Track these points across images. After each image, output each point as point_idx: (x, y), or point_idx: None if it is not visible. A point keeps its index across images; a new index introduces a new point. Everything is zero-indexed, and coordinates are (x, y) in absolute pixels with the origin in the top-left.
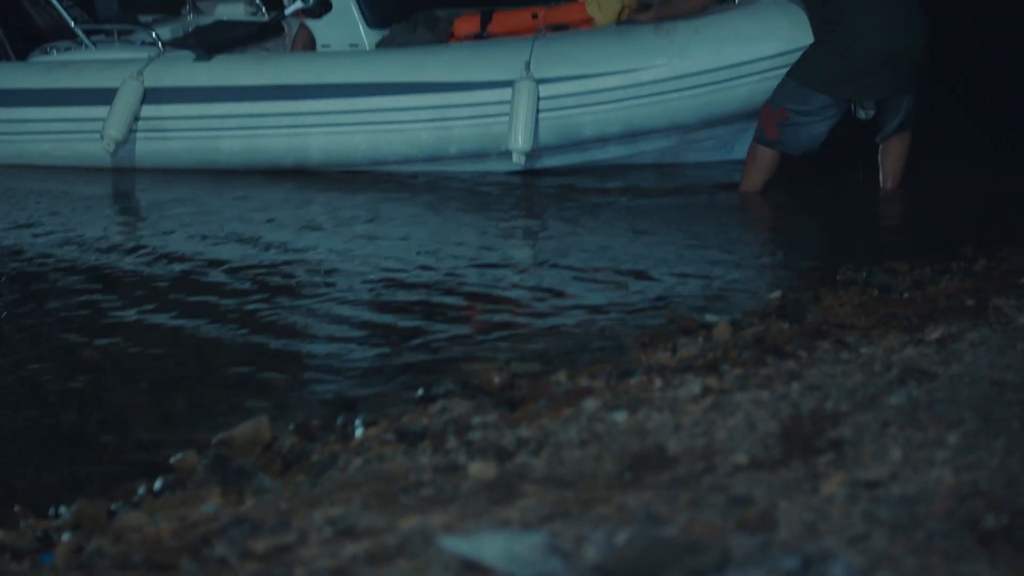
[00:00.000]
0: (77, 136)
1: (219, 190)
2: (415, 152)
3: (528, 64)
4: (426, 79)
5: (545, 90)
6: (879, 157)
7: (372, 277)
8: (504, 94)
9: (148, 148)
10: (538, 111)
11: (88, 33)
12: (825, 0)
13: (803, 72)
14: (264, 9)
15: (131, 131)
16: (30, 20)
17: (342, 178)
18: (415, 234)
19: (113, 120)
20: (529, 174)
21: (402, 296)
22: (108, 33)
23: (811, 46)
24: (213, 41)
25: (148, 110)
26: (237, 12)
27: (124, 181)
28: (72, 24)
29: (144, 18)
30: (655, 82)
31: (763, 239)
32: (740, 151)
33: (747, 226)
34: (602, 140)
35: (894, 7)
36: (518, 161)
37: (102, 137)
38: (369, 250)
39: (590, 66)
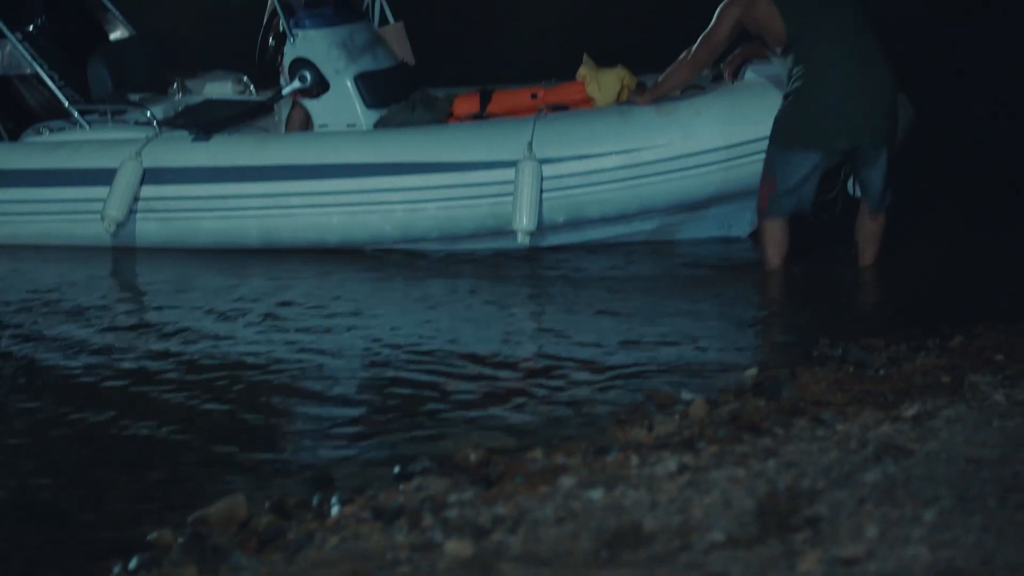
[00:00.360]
0: (76, 217)
1: (213, 269)
2: (418, 232)
3: (531, 144)
4: (429, 159)
5: (548, 170)
6: (857, 234)
7: (353, 355)
8: (507, 174)
9: (148, 228)
10: (542, 191)
11: (82, 112)
12: (789, 53)
13: (776, 133)
14: (252, 88)
15: (131, 211)
16: (21, 99)
17: (336, 255)
18: (398, 312)
19: (113, 201)
20: (525, 252)
21: (381, 373)
22: (101, 113)
23: (782, 103)
24: (207, 120)
25: (148, 190)
26: (225, 91)
27: (121, 260)
28: (67, 104)
29: (132, 97)
30: (658, 161)
31: (741, 315)
32: (738, 228)
33: (726, 302)
34: (605, 219)
35: (856, 56)
36: (523, 241)
37: (102, 218)
38: (351, 328)
39: (593, 146)
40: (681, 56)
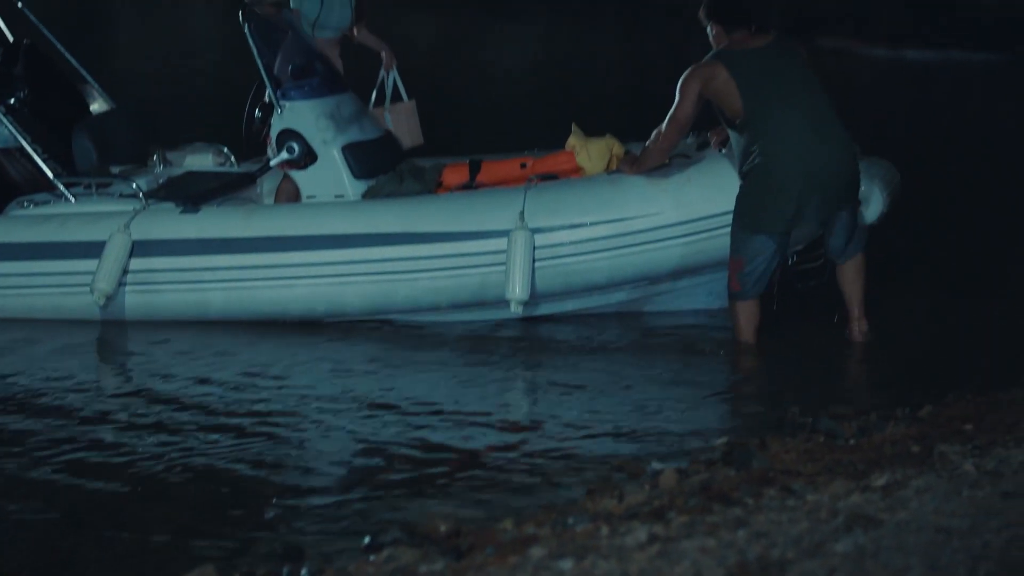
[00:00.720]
0: (65, 290)
1: (195, 339)
2: (409, 303)
3: (523, 213)
4: (420, 229)
5: (541, 239)
6: (839, 283)
7: (325, 424)
8: (499, 243)
9: (138, 301)
10: (534, 260)
11: (67, 185)
12: (746, 129)
13: (739, 216)
14: (233, 159)
15: (120, 284)
16: (4, 172)
17: (322, 325)
18: (371, 381)
19: (103, 274)
20: (499, 322)
21: (352, 442)
22: (86, 185)
23: (741, 184)
24: (193, 192)
25: (137, 263)
26: (206, 163)
27: (107, 332)
28: (52, 177)
29: (113, 169)
30: (650, 230)
31: (712, 384)
32: (722, 300)
33: (697, 371)
34: (598, 287)
35: (809, 127)
36: (516, 310)
37: (92, 291)
38: (323, 397)
39: (585, 215)
40: (653, 136)
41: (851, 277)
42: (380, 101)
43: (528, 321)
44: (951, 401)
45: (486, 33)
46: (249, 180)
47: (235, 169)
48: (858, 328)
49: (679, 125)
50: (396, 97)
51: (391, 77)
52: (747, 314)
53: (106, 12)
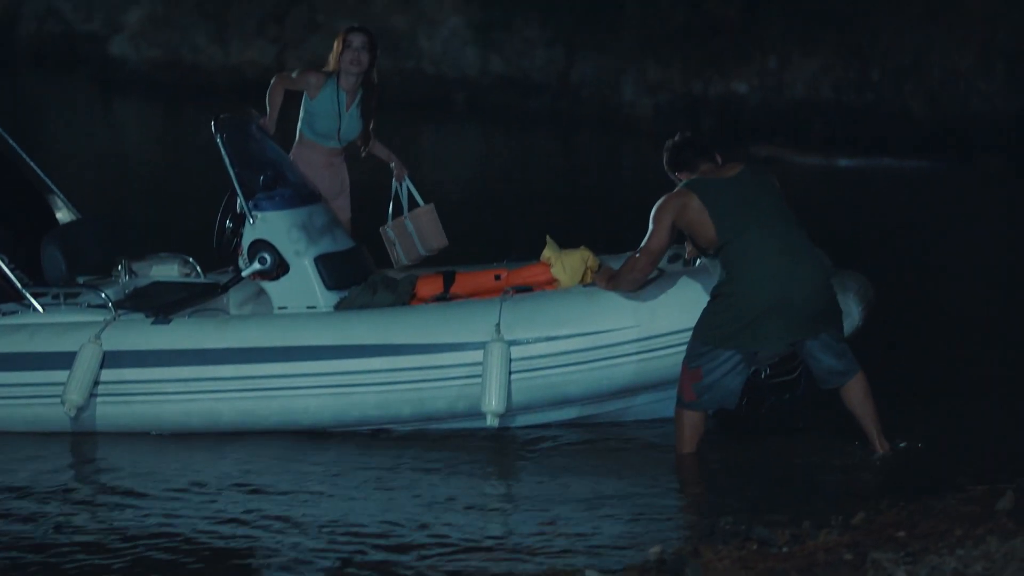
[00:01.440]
0: (34, 401)
1: (171, 451)
2: (384, 415)
3: (498, 326)
4: (395, 341)
5: (517, 351)
6: (849, 407)
7: (295, 536)
8: (475, 356)
9: (109, 412)
10: (511, 372)
11: (35, 296)
12: (717, 253)
13: (703, 329)
14: (199, 269)
15: (91, 395)
16: None
17: (297, 437)
18: (332, 497)
19: (73, 384)
20: (446, 432)
21: (323, 561)
22: (54, 296)
23: (709, 300)
24: (162, 303)
25: (108, 374)
26: (172, 273)
27: (81, 444)
28: (20, 288)
29: (79, 279)
30: (626, 343)
31: (648, 493)
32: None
33: (634, 480)
34: (574, 400)
35: (782, 254)
36: (492, 423)
37: (62, 402)
38: (301, 512)
39: (561, 327)
40: (626, 263)
41: (859, 398)
42: (398, 211)
43: (474, 431)
44: (884, 508)
45: (426, 141)
46: (216, 291)
47: (201, 279)
48: (880, 447)
49: (652, 257)
50: (412, 203)
51: (404, 186)
52: (693, 424)
53: (65, 120)
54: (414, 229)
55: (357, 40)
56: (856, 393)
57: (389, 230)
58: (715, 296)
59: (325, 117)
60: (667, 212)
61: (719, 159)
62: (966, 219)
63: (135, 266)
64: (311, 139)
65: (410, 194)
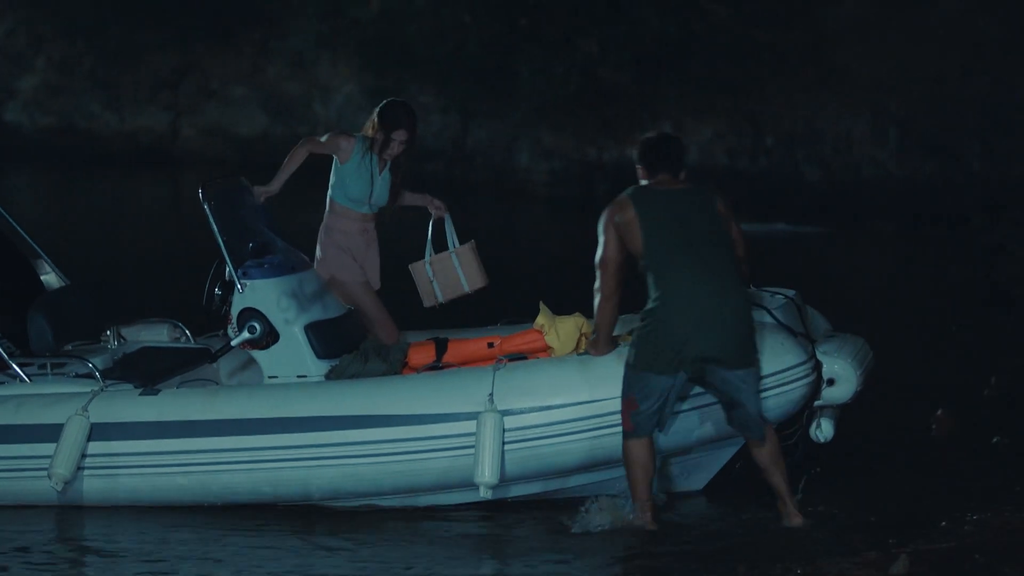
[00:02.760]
0: (21, 474)
1: (154, 526)
2: (376, 487)
3: (491, 396)
4: (387, 412)
5: (510, 422)
6: (761, 470)
7: None
8: (468, 426)
9: (97, 486)
10: (504, 443)
11: (21, 366)
12: (647, 271)
13: (632, 356)
14: (189, 334)
15: (79, 468)
16: None
17: (290, 510)
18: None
19: (60, 458)
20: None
21: None
22: (40, 365)
23: (638, 326)
24: (149, 372)
25: (96, 446)
26: (161, 337)
27: (66, 518)
28: (7, 358)
29: (66, 347)
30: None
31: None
32: (695, 481)
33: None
34: (569, 471)
35: (706, 277)
36: (485, 494)
37: (49, 476)
38: None
39: (555, 397)
40: (595, 294)
41: (768, 461)
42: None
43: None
44: (777, 573)
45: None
46: (206, 356)
47: (192, 344)
48: (794, 517)
49: (607, 268)
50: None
51: (447, 223)
52: (640, 456)
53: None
54: (461, 266)
55: (399, 137)
56: (764, 456)
57: (428, 267)
58: (641, 320)
59: (358, 181)
60: (607, 219)
61: (681, 175)
62: (859, 282)
63: (124, 331)
64: (344, 206)
65: (444, 232)
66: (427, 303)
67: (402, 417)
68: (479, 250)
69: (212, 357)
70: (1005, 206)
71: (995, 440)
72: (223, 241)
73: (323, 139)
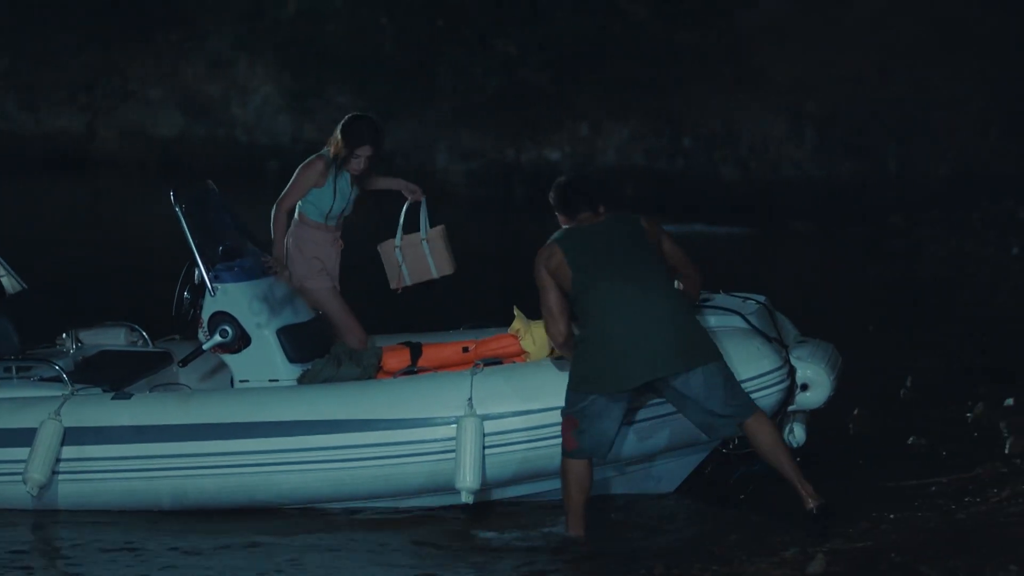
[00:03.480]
0: None
1: (130, 530)
2: (355, 492)
3: (471, 400)
4: (367, 416)
5: (490, 426)
6: (762, 457)
7: None
8: (448, 431)
9: (72, 490)
10: (484, 447)
11: None
12: (575, 300)
13: (571, 377)
14: (146, 336)
15: (54, 473)
16: None
17: (268, 514)
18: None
19: (35, 463)
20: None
21: None
22: (6, 369)
23: (575, 350)
24: (116, 376)
25: (70, 451)
26: (118, 340)
27: (41, 522)
28: None
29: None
30: None
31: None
32: (667, 484)
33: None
34: (549, 474)
35: (635, 297)
36: (467, 499)
37: (25, 481)
38: None
39: (534, 401)
40: (550, 338)
41: (768, 445)
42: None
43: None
44: (696, 573)
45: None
46: (168, 359)
47: (151, 348)
48: (810, 499)
49: (551, 313)
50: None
51: (423, 208)
52: (577, 476)
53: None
54: (430, 251)
55: (364, 152)
56: (761, 438)
57: (398, 250)
58: (576, 344)
59: (328, 198)
60: (539, 267)
61: (601, 209)
62: (777, 282)
63: (82, 335)
64: (315, 220)
65: (418, 216)
66: (393, 285)
67: (382, 421)
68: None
69: (183, 361)
70: (922, 206)
71: (911, 440)
72: (195, 244)
73: (291, 185)
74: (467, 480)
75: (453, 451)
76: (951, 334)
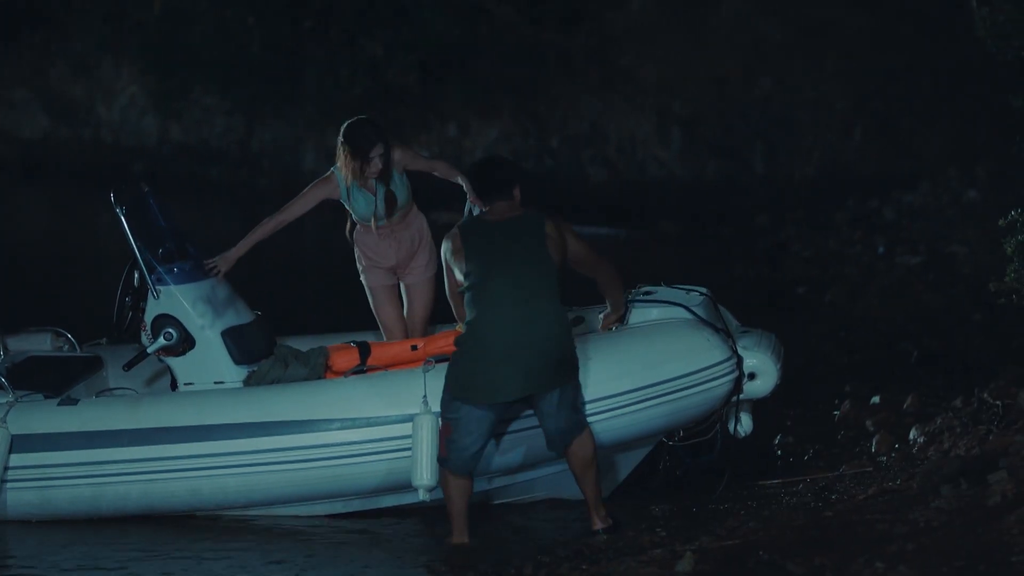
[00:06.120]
0: None
1: (80, 536)
2: (308, 493)
3: (425, 397)
4: (317, 416)
5: None
6: (573, 476)
7: None
8: (404, 429)
9: (21, 499)
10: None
11: None
12: (465, 290)
13: (448, 381)
14: (75, 341)
15: (2, 481)
16: None
17: (220, 519)
18: None
19: None
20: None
21: None
22: None
23: (455, 352)
24: (52, 382)
25: (18, 459)
26: (44, 346)
27: None
28: None
29: None
30: None
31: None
32: (609, 482)
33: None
34: (509, 469)
35: (519, 304)
36: (424, 497)
37: None
38: None
39: None
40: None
41: (578, 470)
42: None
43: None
44: (565, 572)
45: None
46: (98, 364)
47: (80, 353)
48: (599, 521)
49: (452, 296)
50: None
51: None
52: (458, 489)
53: None
54: None
55: (377, 152)
56: (575, 462)
57: None
58: (456, 346)
59: (358, 206)
60: (443, 254)
61: (517, 195)
62: (648, 282)
63: (9, 340)
64: (360, 221)
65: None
66: None
67: (336, 421)
68: None
69: (127, 365)
70: (788, 206)
71: (778, 439)
72: (136, 246)
73: (297, 196)
74: (424, 478)
75: (409, 449)
76: (817, 333)
